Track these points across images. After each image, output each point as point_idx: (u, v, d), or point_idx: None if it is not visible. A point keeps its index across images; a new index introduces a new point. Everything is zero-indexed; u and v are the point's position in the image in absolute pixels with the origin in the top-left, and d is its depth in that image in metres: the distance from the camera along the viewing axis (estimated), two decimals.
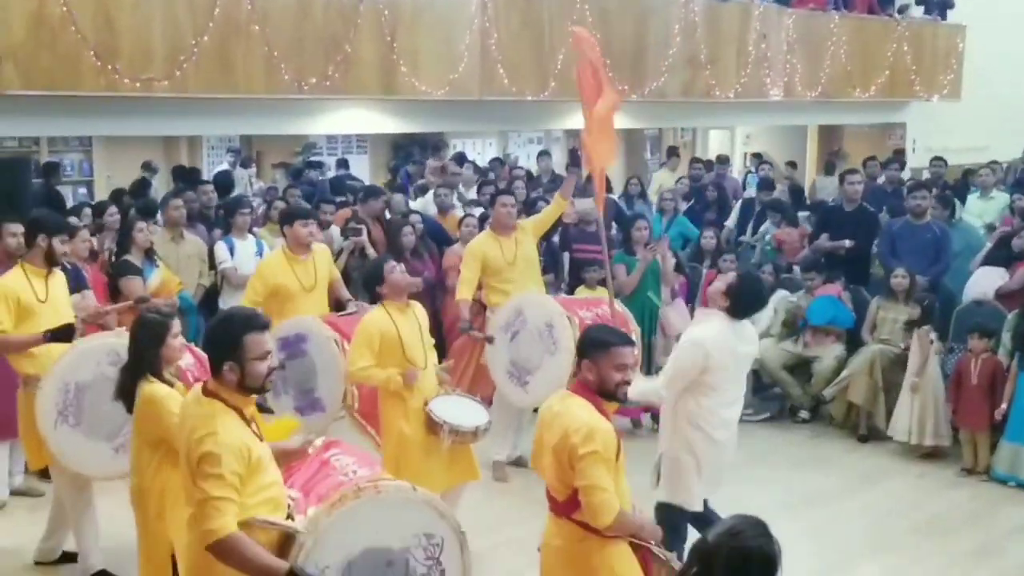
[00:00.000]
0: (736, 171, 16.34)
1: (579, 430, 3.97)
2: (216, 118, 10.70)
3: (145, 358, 4.64)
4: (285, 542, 3.72)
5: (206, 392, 3.74)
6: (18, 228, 6.50)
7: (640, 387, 5.18)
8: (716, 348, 5.21)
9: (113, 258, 7.96)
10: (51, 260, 5.96)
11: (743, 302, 5.35)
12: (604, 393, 4.15)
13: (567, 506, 4.07)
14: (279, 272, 6.97)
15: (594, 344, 4.18)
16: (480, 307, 7.84)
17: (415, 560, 3.91)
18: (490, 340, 7.25)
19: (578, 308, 7.19)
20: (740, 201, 12.39)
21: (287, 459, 4.11)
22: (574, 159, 8.37)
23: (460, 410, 5.89)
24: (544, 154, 14.31)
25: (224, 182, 11.79)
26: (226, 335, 3.73)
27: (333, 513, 3.76)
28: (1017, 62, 17.81)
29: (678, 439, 5.37)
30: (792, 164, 15.69)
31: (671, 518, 5.30)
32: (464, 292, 7.57)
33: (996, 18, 17.23)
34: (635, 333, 7.17)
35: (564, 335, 6.85)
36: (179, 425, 3.82)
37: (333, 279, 7.38)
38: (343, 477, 4.05)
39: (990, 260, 9.06)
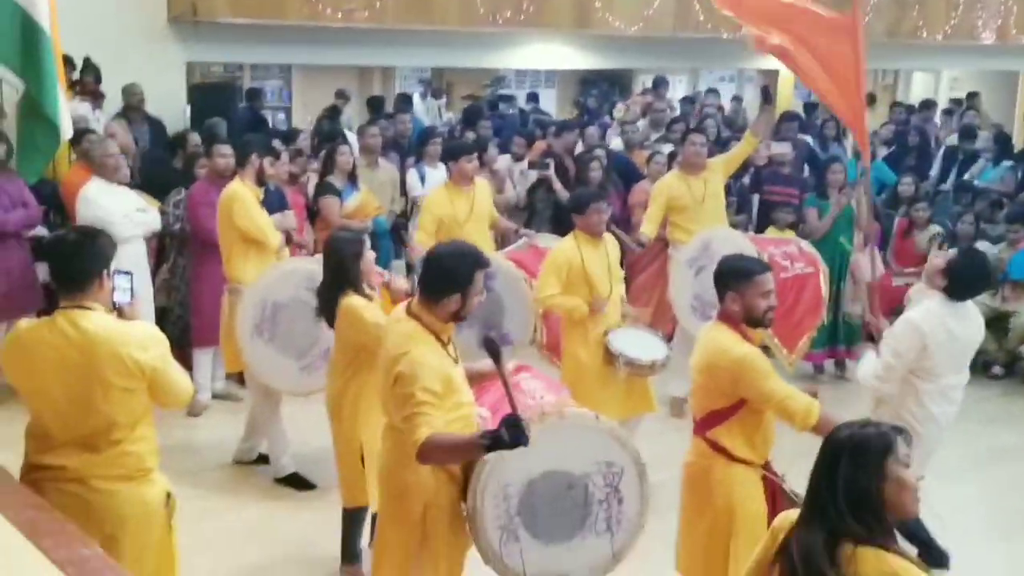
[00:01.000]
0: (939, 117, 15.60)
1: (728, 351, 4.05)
2: (411, 49, 10.93)
3: (344, 273, 4.82)
4: (471, 461, 3.84)
5: (409, 313, 3.87)
6: (227, 149, 6.85)
7: (864, 369, 5.21)
8: (932, 331, 4.96)
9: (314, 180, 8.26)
10: (261, 180, 6.26)
11: (963, 282, 5.04)
12: (752, 321, 4.16)
13: (702, 424, 4.18)
14: (444, 203, 7.13)
15: (736, 274, 4.16)
16: (663, 244, 7.81)
17: (594, 486, 3.98)
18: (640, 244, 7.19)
19: (768, 246, 7.10)
20: (943, 148, 11.89)
21: (479, 379, 4.23)
22: (767, 96, 8.16)
23: (639, 343, 5.92)
24: (736, 99, 14.05)
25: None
26: (458, 268, 3.83)
27: None
28: None
29: (891, 412, 5.11)
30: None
31: None
32: (648, 229, 7.55)
33: None
34: (823, 273, 7.04)
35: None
36: (385, 338, 3.98)
37: (495, 217, 7.48)
38: (531, 401, 4.13)
39: None
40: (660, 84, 12.54)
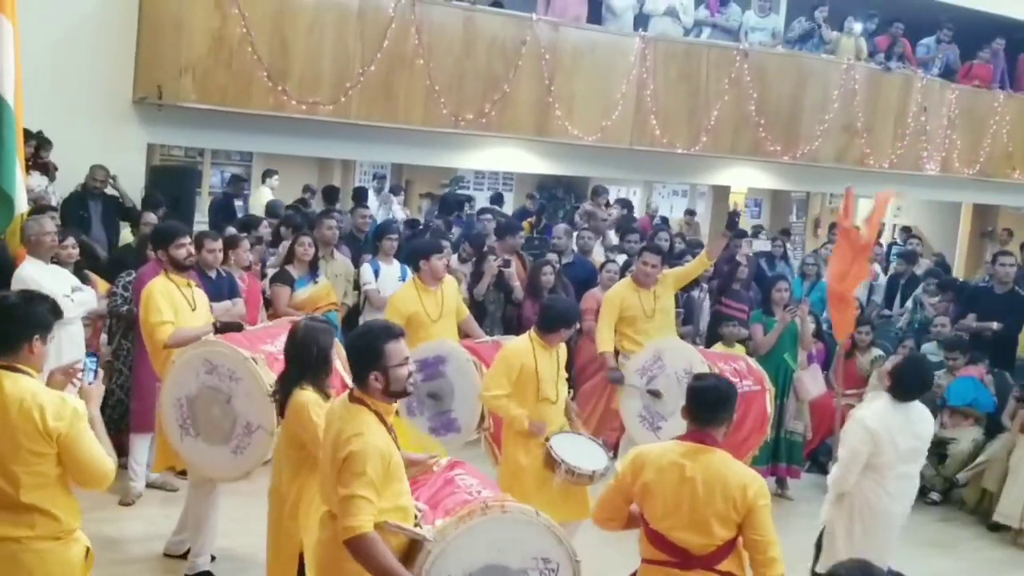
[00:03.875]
0: (884, 242, 15.99)
1: (753, 483, 4.12)
2: (374, 144, 11.07)
3: (308, 365, 4.72)
4: (410, 550, 3.88)
5: (352, 399, 3.94)
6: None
7: (831, 476, 5.65)
8: (879, 426, 5.40)
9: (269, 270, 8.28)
10: (181, 266, 6.12)
11: (905, 384, 5.52)
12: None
13: (711, 558, 4.17)
14: (410, 302, 7.16)
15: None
16: (613, 352, 7.88)
17: None
18: (657, 395, 7.20)
19: (718, 361, 7.19)
20: (888, 276, 12.18)
21: (412, 470, 4.28)
22: (731, 224, 8.34)
23: (580, 450, 5.91)
24: (689, 212, 14.29)
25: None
26: (368, 347, 3.95)
27: (461, 527, 3.94)
28: None
29: (844, 514, 5.59)
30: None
31: None
32: (605, 344, 7.62)
33: None
34: (769, 392, 7.12)
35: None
36: (324, 428, 4.01)
37: (463, 317, 7.51)
38: (468, 496, 4.21)
39: None
40: (600, 192, 12.74)
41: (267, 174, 14.36)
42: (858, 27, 13.27)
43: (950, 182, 14.99)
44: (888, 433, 5.40)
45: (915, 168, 14.00)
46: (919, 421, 5.60)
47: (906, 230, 15.24)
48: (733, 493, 4.08)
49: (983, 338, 9.15)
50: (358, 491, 3.71)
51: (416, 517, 3.98)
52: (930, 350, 9.24)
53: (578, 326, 6.91)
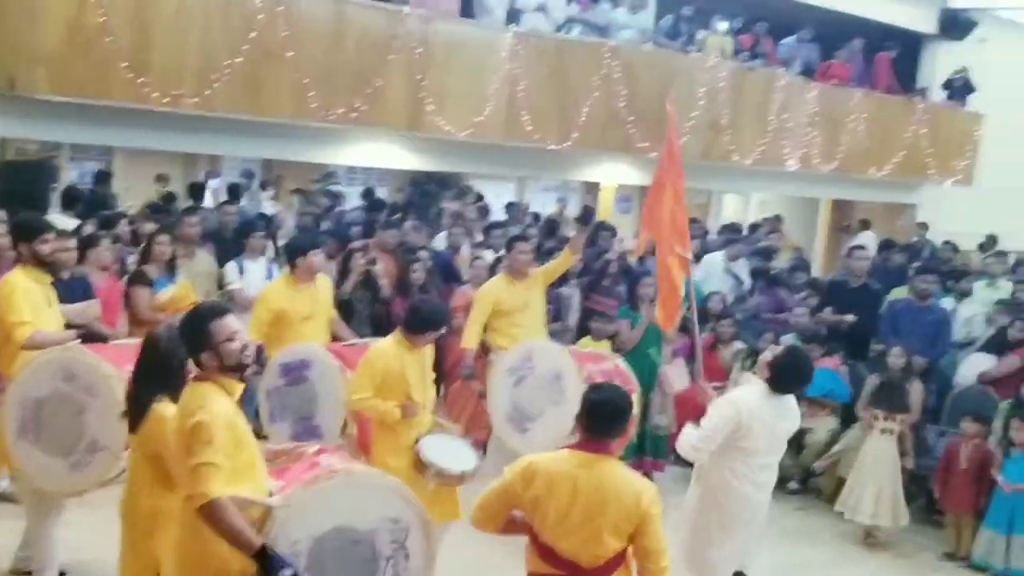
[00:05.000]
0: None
1: (647, 491, 4.13)
2: (241, 139, 10.86)
3: (165, 375, 4.52)
4: (262, 522, 3.90)
5: (195, 379, 4.03)
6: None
7: (683, 438, 5.61)
8: (749, 412, 5.41)
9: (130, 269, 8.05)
10: (44, 264, 5.88)
11: (783, 377, 5.51)
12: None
13: (601, 571, 4.16)
14: (282, 299, 7.05)
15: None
16: (483, 349, 7.91)
17: (381, 542, 4.13)
18: (482, 396, 7.25)
19: (587, 362, 7.24)
20: (752, 268, 12.45)
21: (278, 458, 4.28)
22: (586, 217, 8.45)
23: (449, 451, 5.89)
24: (560, 200, 14.41)
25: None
26: (195, 328, 4.03)
27: (307, 491, 4.02)
28: None
29: (706, 499, 5.60)
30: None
31: None
32: (471, 340, 7.63)
33: (1015, 109, 17.40)
34: (634, 392, 7.20)
35: (572, 387, 6.85)
36: (175, 418, 4.00)
37: (332, 317, 7.44)
38: (321, 471, 4.25)
39: (989, 346, 9.14)
40: (466, 192, 12.80)
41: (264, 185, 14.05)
42: (723, 26, 13.59)
43: (810, 178, 15.47)
44: (760, 419, 5.43)
45: (777, 164, 14.41)
46: (790, 414, 5.63)
47: (777, 219, 15.60)
48: (627, 502, 4.09)
49: (839, 330, 9.45)
50: (206, 458, 3.76)
51: (271, 494, 4.02)
52: (788, 342, 9.50)
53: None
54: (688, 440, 5.59)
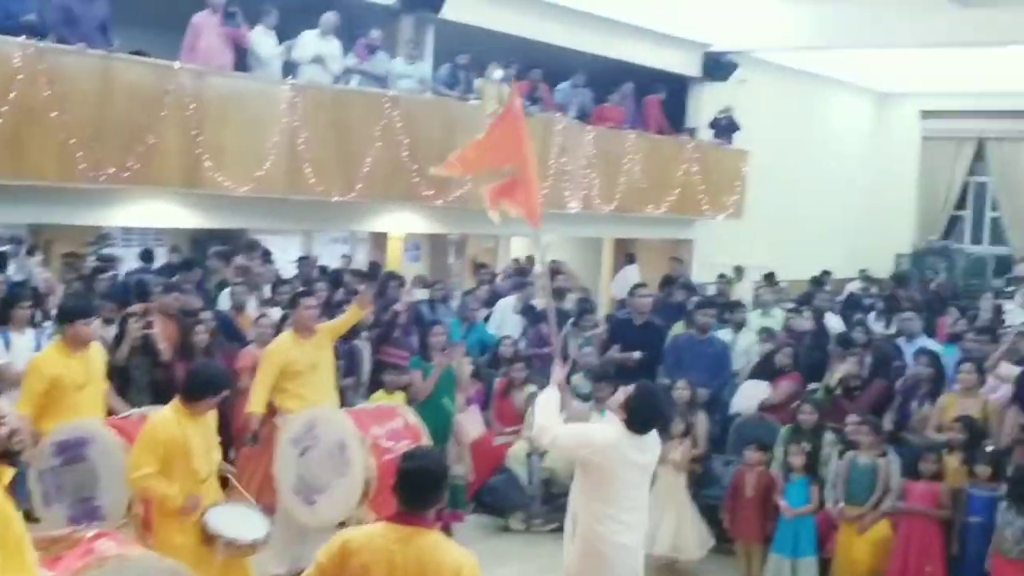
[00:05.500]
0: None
1: (467, 563, 4.03)
2: (2, 204, 10.25)
3: None
4: None
5: None
6: None
7: (548, 411, 5.59)
8: (605, 446, 5.43)
9: None
10: None
11: (639, 415, 5.53)
12: None
13: None
14: (55, 366, 6.70)
15: None
16: (271, 411, 7.68)
17: None
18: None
19: (372, 424, 7.05)
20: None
21: (53, 546, 4.02)
22: (371, 273, 8.42)
23: (239, 520, 5.71)
24: (345, 257, 14.30)
25: None
26: None
27: None
28: (793, 189, 19.09)
29: (586, 552, 5.51)
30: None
31: None
32: (257, 403, 7.39)
33: (776, 145, 18.47)
34: None
35: (357, 457, 6.68)
36: None
37: (106, 385, 7.11)
38: (93, 558, 4.07)
39: (757, 374, 9.59)
40: (254, 247, 12.54)
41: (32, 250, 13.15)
42: (498, 73, 13.83)
43: (592, 218, 15.88)
44: (620, 455, 5.43)
45: (559, 207, 14.72)
46: (649, 448, 5.63)
47: (555, 263, 15.97)
48: None
49: (627, 367, 9.71)
50: None
51: None
52: (577, 381, 9.69)
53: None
54: (547, 414, 5.62)
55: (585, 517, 5.55)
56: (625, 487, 5.53)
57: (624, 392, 5.67)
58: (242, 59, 11.69)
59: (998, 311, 12.96)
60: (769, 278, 14.96)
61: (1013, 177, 20.61)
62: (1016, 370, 8.67)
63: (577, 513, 5.63)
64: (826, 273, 15.84)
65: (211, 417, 5.89)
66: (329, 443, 6.84)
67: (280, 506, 7.21)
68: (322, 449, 6.84)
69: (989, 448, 7.80)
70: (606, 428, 5.62)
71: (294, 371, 7.51)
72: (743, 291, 15.58)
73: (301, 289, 9.11)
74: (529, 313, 11.50)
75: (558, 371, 5.99)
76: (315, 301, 7.84)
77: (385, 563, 3.98)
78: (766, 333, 10.45)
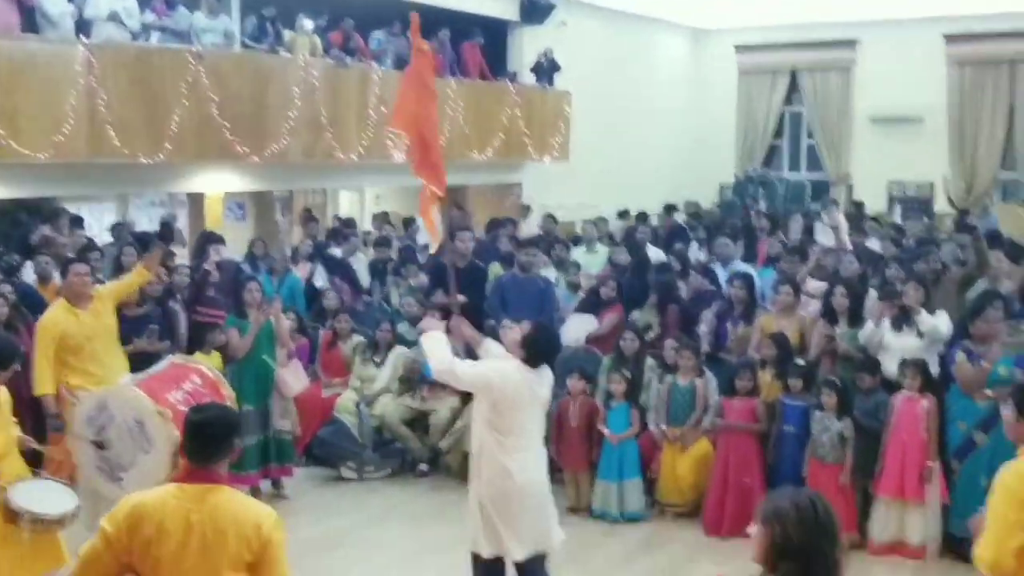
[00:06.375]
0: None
1: (268, 518, 3.90)
2: None
3: None
4: None
5: None
6: None
7: (441, 352, 5.65)
8: (506, 381, 5.57)
9: None
10: None
11: (538, 350, 5.70)
12: None
13: None
14: None
15: None
16: (56, 394, 7.28)
17: None
18: (102, 446, 6.56)
19: (168, 391, 6.60)
20: (369, 262, 12.54)
21: None
22: (163, 234, 8.15)
23: (44, 495, 5.43)
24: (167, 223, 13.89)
25: None
26: None
27: None
28: (617, 127, 19.34)
29: (495, 485, 5.64)
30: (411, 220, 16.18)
31: (493, 571, 5.71)
32: (44, 385, 7.00)
33: (598, 85, 18.63)
34: (229, 399, 6.89)
35: (158, 432, 6.27)
36: None
37: None
38: None
39: (583, 308, 9.71)
40: (59, 215, 11.98)
41: None
42: (309, 24, 13.53)
43: None
44: (515, 389, 5.60)
45: (383, 157, 14.54)
46: (546, 381, 5.84)
47: (382, 215, 15.81)
48: (247, 532, 3.83)
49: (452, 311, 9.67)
50: None
51: None
52: (404, 329, 9.65)
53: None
54: (444, 354, 5.68)
55: (492, 451, 5.64)
56: (529, 420, 5.71)
57: (519, 330, 5.81)
58: (31, 20, 11.10)
59: (808, 231, 13.43)
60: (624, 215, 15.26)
61: (825, 106, 21.33)
62: (822, 285, 8.99)
63: (482, 449, 5.72)
64: (643, 215, 16.11)
65: (3, 393, 5.61)
66: (126, 420, 6.38)
67: (83, 484, 6.84)
68: (119, 427, 6.39)
69: (800, 362, 8.10)
70: (507, 364, 5.72)
71: (73, 344, 7.17)
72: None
73: (71, 256, 8.71)
74: (335, 266, 11.37)
75: (433, 322, 6.04)
76: (86, 268, 7.44)
77: (180, 525, 3.82)
78: (575, 268, 10.69)
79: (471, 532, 5.86)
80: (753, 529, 3.24)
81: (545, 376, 5.83)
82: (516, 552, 5.69)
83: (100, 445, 6.33)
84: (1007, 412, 4.50)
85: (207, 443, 3.96)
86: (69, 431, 6.74)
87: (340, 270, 11.20)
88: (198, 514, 3.84)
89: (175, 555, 3.80)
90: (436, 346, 5.74)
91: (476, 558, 5.86)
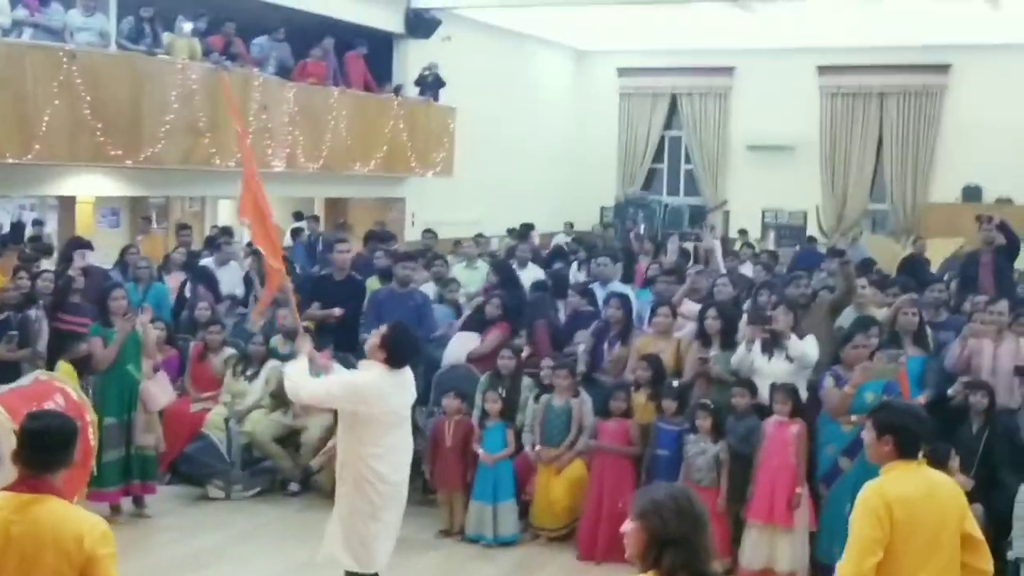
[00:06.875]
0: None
1: (92, 531, 3.71)
2: None
3: None
4: None
5: None
6: None
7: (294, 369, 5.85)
8: (371, 391, 5.67)
9: None
10: None
11: (399, 351, 5.79)
12: None
13: None
14: None
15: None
16: None
17: None
18: None
19: (26, 407, 6.27)
20: (245, 273, 12.25)
21: None
22: (12, 237, 7.86)
23: None
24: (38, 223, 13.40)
25: None
26: None
27: None
28: (502, 142, 19.37)
29: (356, 486, 5.75)
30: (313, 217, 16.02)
31: None
32: None
33: (483, 102, 18.63)
34: (92, 424, 6.60)
35: (8, 449, 6.01)
36: None
37: None
38: None
39: (468, 326, 9.64)
40: None
41: None
42: (188, 27, 13.22)
43: (298, 178, 15.50)
44: (379, 397, 5.69)
45: (263, 165, 14.14)
46: (409, 385, 5.94)
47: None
48: (68, 546, 3.65)
49: (328, 325, 9.53)
50: None
51: None
52: (276, 343, 9.42)
53: None
54: (298, 371, 5.87)
55: (355, 460, 5.75)
56: (391, 427, 5.77)
57: (377, 334, 5.85)
58: None
59: (684, 253, 13.62)
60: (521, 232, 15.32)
61: (703, 131, 21.78)
62: (696, 307, 9.09)
63: (346, 460, 5.85)
64: (527, 226, 16.13)
65: None
66: None
67: None
68: None
69: (674, 383, 8.15)
70: (365, 373, 5.82)
71: None
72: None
73: None
74: (200, 275, 11.11)
75: (303, 343, 6.22)
76: None
77: (0, 536, 3.67)
78: (455, 285, 10.69)
79: (331, 544, 5.95)
80: (628, 526, 3.25)
81: (407, 378, 5.92)
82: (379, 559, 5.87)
83: None
84: (867, 434, 4.53)
85: (42, 451, 3.81)
86: None
87: (204, 279, 10.89)
88: (19, 525, 3.68)
89: None
90: (296, 370, 5.89)
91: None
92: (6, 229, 14.29)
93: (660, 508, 3.20)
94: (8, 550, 3.66)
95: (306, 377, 5.86)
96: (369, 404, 5.70)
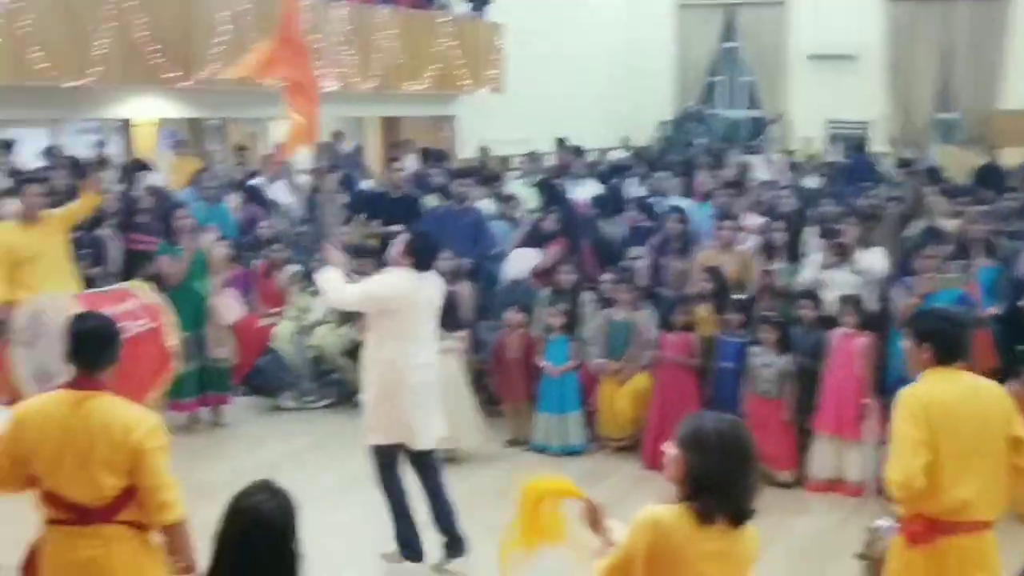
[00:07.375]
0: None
1: (139, 426, 3.87)
2: None
3: None
4: None
5: None
6: None
7: (332, 283, 5.90)
8: (396, 291, 5.81)
9: None
10: None
11: (423, 255, 5.94)
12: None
13: (108, 511, 3.88)
14: None
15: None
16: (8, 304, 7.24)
17: None
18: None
19: (103, 306, 6.57)
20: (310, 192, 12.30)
21: None
22: (102, 159, 8.00)
23: None
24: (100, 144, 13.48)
25: None
26: None
27: None
28: (554, 59, 19.08)
29: (382, 377, 5.87)
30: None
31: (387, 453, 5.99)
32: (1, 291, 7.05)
33: (533, 18, 18.31)
34: (167, 326, 6.79)
35: None
36: None
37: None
38: None
39: (527, 242, 9.62)
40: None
41: None
42: None
43: (352, 97, 15.43)
44: (405, 296, 5.83)
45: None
46: (436, 285, 6.11)
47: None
48: (116, 438, 3.84)
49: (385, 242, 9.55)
50: None
51: None
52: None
53: None
54: (336, 283, 5.91)
55: (380, 356, 5.86)
56: (419, 324, 5.91)
57: (400, 241, 5.98)
58: None
59: (744, 167, 13.45)
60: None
61: (761, 43, 21.30)
62: (758, 220, 9.01)
63: (370, 358, 5.98)
64: (579, 149, 15.92)
65: None
66: (57, 329, 6.36)
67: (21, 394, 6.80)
68: (52, 335, 6.36)
69: (737, 297, 8.11)
70: (392, 275, 5.93)
71: (19, 259, 7.23)
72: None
73: (26, 176, 8.58)
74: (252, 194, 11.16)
75: (332, 254, 6.25)
76: (38, 188, 7.46)
77: (57, 429, 3.87)
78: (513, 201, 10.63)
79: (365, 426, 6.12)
80: (671, 449, 3.22)
81: (432, 280, 6.08)
82: (421, 441, 5.99)
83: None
84: (906, 342, 4.41)
85: (88, 351, 4.03)
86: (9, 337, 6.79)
87: (256, 198, 10.97)
88: (73, 419, 3.89)
89: (53, 459, 3.86)
90: (328, 279, 5.97)
91: (374, 448, 6.09)
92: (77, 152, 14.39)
93: (704, 444, 3.14)
94: (65, 442, 3.85)
95: (343, 284, 5.99)
96: (400, 300, 5.84)
